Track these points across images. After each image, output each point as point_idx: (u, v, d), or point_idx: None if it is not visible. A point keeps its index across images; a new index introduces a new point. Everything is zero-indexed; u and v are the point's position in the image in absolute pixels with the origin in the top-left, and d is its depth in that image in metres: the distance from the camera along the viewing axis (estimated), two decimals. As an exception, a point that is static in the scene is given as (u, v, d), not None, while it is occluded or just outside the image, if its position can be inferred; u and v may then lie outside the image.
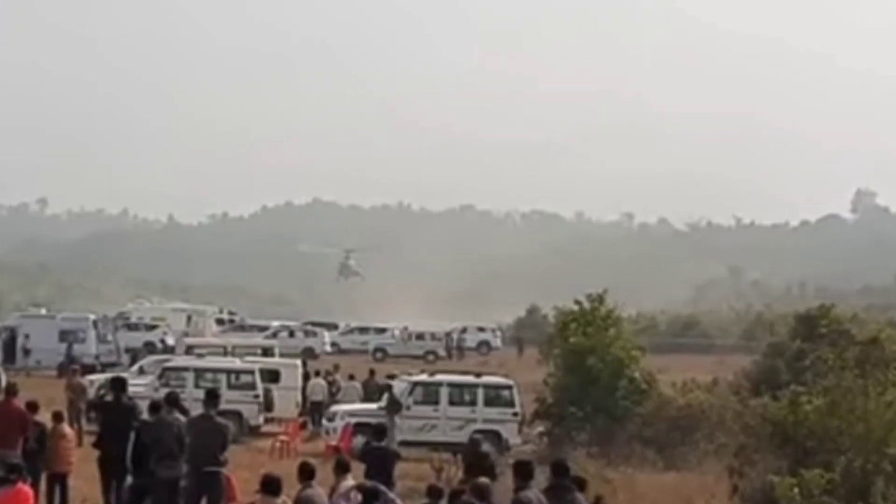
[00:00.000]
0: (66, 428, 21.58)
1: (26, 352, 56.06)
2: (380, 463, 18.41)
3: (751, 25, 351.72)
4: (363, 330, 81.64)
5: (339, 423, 34.80)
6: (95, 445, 20.50)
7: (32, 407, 21.51)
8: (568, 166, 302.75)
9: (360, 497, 15.68)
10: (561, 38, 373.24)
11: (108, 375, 34.92)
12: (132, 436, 19.52)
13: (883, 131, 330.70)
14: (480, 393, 35.80)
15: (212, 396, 19.52)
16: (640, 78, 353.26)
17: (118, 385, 21.15)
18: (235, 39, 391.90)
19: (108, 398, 21.15)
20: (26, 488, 15.71)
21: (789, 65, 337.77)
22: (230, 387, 36.30)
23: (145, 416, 20.04)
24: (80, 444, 20.73)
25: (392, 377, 41.58)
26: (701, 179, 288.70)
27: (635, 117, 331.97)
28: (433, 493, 15.62)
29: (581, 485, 16.20)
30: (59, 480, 20.81)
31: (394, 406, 35.00)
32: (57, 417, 21.87)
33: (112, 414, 20.45)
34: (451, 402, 35.56)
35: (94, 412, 22.76)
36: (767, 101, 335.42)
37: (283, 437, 35.20)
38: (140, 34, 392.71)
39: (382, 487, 16.29)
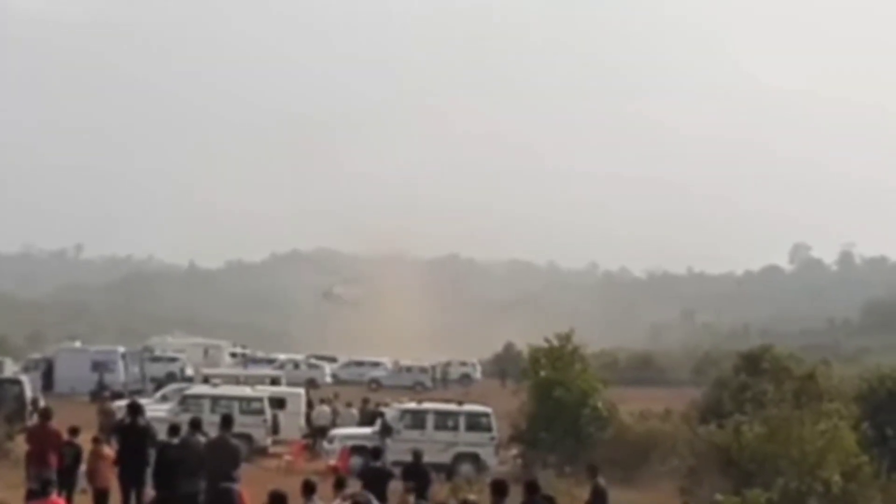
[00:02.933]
0: (107, 449, 21.51)
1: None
2: (377, 481, 18.42)
3: (704, 127, 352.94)
4: (360, 363, 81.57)
5: (337, 446, 34.75)
6: (115, 462, 20.47)
7: (74, 431, 21.50)
8: (541, 222, 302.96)
9: None
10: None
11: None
12: (153, 454, 19.52)
13: (814, 196, 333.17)
14: (462, 419, 35.80)
15: (226, 421, 19.50)
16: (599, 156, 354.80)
17: (134, 409, 21.10)
18: (251, 112, 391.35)
19: (126, 421, 21.03)
20: (59, 501, 15.71)
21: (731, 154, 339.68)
22: (242, 412, 36.23)
23: (163, 437, 20.03)
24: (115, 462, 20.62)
25: (384, 405, 41.63)
26: (656, 235, 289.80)
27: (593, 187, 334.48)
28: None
29: (551, 502, 16.21)
30: (102, 494, 20.80)
31: (386, 430, 35.00)
32: (97, 441, 21.82)
33: (129, 434, 20.40)
34: (436, 428, 35.54)
35: (114, 434, 22.64)
36: (707, 178, 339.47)
37: (288, 457, 35.16)
38: (166, 103, 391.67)
39: (375, 501, 16.37)
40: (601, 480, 20.02)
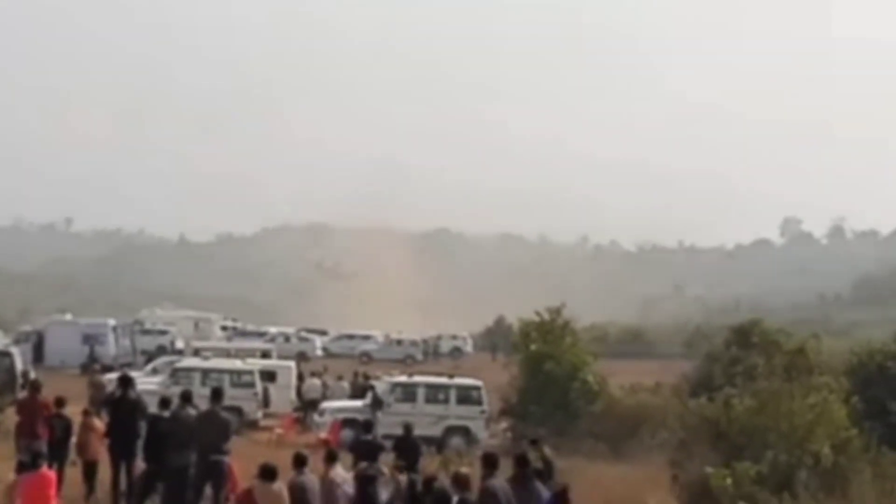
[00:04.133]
0: (96, 422, 21.48)
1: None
2: (368, 454, 18.43)
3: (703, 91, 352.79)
4: (350, 336, 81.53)
5: (328, 419, 34.78)
6: (106, 435, 20.47)
7: (60, 402, 21.44)
8: (532, 196, 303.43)
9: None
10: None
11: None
12: (144, 427, 19.51)
13: (805, 171, 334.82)
14: (453, 393, 35.83)
15: (217, 394, 19.45)
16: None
17: (125, 382, 21.08)
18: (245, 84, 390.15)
19: (117, 394, 21.01)
20: (50, 473, 15.70)
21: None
22: (233, 385, 36.24)
23: (153, 409, 20.02)
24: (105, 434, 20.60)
25: (374, 377, 41.66)
26: (647, 208, 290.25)
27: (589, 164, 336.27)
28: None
29: (540, 474, 16.28)
30: (91, 467, 20.79)
31: (377, 404, 35.04)
32: (86, 413, 21.79)
33: (120, 407, 20.39)
34: (427, 401, 35.57)
35: (104, 407, 22.63)
36: (700, 155, 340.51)
37: (278, 430, 35.19)
38: (155, 75, 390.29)
39: (381, 474, 16.60)
40: (547, 450, 20.07)
